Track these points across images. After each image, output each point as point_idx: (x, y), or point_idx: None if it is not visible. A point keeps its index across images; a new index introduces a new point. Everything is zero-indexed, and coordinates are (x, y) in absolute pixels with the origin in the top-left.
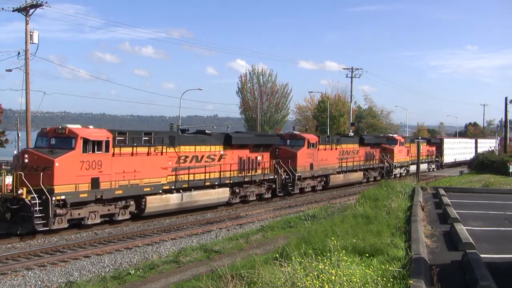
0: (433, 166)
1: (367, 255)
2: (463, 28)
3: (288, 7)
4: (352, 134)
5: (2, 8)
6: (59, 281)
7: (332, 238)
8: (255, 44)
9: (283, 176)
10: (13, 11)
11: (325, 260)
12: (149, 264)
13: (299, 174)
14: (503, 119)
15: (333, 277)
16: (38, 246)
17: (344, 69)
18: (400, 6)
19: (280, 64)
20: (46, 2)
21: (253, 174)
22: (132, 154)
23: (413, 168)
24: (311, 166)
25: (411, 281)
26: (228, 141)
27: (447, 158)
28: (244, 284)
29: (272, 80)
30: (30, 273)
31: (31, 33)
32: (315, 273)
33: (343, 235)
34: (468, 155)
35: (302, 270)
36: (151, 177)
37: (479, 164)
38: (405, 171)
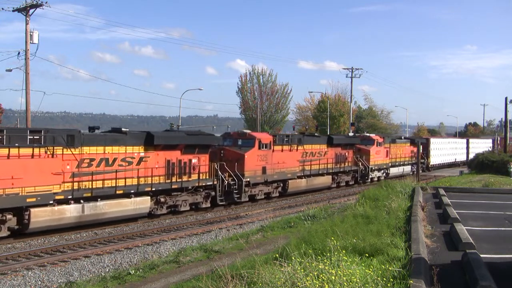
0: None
1: (367, 255)
2: (463, 28)
3: (288, 7)
4: (352, 134)
5: (2, 8)
6: (59, 281)
7: (332, 238)
8: (255, 44)
9: (227, 182)
10: (13, 11)
11: (325, 260)
12: (149, 264)
13: (248, 179)
14: (503, 119)
15: (333, 277)
16: (38, 246)
17: (344, 69)
18: (400, 6)
19: (280, 64)
20: (46, 2)
21: (185, 180)
22: (8, 156)
23: (393, 171)
24: (264, 170)
25: (411, 281)
26: (149, 141)
27: (434, 159)
28: (244, 284)
29: (272, 80)
30: (30, 273)
31: (31, 33)
32: (315, 273)
33: (343, 235)
34: (459, 156)
35: (302, 270)
36: (37, 185)
37: (479, 164)
38: (384, 174)
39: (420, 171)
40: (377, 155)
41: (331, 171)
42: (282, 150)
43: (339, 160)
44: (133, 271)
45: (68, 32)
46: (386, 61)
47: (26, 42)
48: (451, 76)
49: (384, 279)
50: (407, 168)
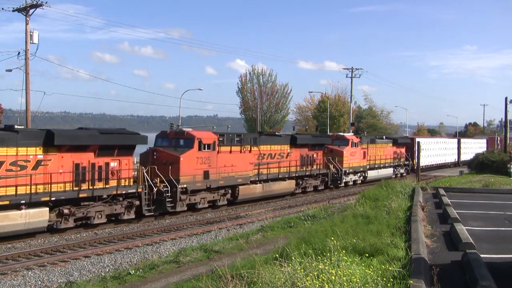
0: (402, 170)
1: (367, 255)
2: (463, 28)
3: (287, 7)
4: (352, 133)
5: (2, 8)
6: (59, 281)
7: (332, 238)
8: (255, 44)
9: (156, 189)
10: (13, 11)
11: (325, 260)
12: (149, 264)
13: (184, 185)
14: (503, 119)
15: (333, 277)
16: (38, 246)
17: (344, 69)
18: (400, 6)
19: (280, 64)
20: (46, 2)
21: (99, 187)
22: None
23: (372, 174)
24: (206, 174)
25: (411, 281)
26: (50, 141)
27: (421, 161)
28: (244, 284)
29: (272, 80)
30: (30, 273)
31: (31, 33)
32: (315, 273)
33: (343, 235)
34: (449, 157)
35: (302, 270)
36: None
37: (479, 164)
38: (360, 177)
39: (405, 173)
40: (352, 157)
41: (294, 175)
42: (230, 152)
43: (305, 162)
44: (133, 271)
45: (68, 32)
46: (386, 61)
47: (26, 42)
48: (451, 76)
49: (384, 279)
50: (388, 171)
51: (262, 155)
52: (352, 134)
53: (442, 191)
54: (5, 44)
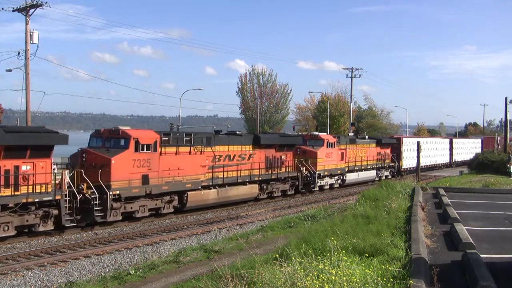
0: (386, 173)
1: (367, 255)
2: (463, 28)
3: (287, 7)
4: (352, 133)
5: (2, 8)
6: (59, 281)
7: (332, 238)
8: (254, 44)
9: (81, 196)
10: (13, 11)
11: (325, 260)
12: (149, 264)
13: (117, 191)
14: (503, 119)
15: (333, 277)
16: (38, 246)
17: (344, 69)
18: (401, 6)
19: (279, 64)
20: (46, 2)
21: (6, 194)
22: None
23: (351, 177)
24: (145, 179)
25: (411, 281)
26: None
27: (408, 162)
28: (244, 284)
29: (272, 80)
30: (30, 273)
31: (31, 33)
32: (315, 273)
33: (343, 235)
34: (440, 158)
35: (302, 270)
36: None
37: (479, 164)
38: (338, 181)
39: (390, 176)
40: (327, 158)
41: (257, 178)
42: (177, 153)
43: (271, 164)
44: (133, 271)
45: (69, 32)
46: (386, 61)
47: (26, 42)
48: (451, 76)
49: (384, 279)
50: (371, 174)
51: (218, 157)
52: (329, 134)
53: (442, 191)
54: (5, 44)
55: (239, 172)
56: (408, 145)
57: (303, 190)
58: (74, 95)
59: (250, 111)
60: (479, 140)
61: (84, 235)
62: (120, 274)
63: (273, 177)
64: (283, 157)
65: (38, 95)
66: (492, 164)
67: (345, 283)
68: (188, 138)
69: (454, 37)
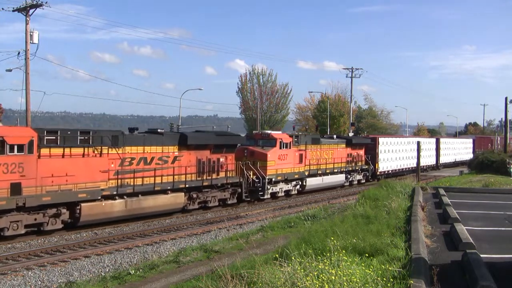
0: (359, 177)
1: (367, 255)
2: (463, 28)
3: (287, 7)
4: (352, 133)
5: (2, 8)
6: (59, 281)
7: (332, 238)
8: (254, 44)
9: None
10: (13, 11)
11: (325, 260)
12: (149, 264)
13: None
14: (503, 119)
15: (333, 277)
16: (38, 246)
17: (344, 69)
18: (400, 6)
19: (279, 64)
20: (46, 2)
21: None
22: None
23: (313, 182)
24: (15, 188)
25: (411, 281)
26: None
27: (385, 165)
28: (244, 284)
29: (272, 80)
30: (30, 273)
31: (31, 33)
32: (315, 273)
33: (343, 235)
34: (425, 159)
35: (302, 270)
36: None
37: (479, 164)
38: (296, 187)
39: (363, 180)
40: (281, 161)
41: (184, 185)
42: (64, 156)
43: (205, 169)
44: (133, 271)
45: (70, 32)
46: (386, 61)
47: (26, 42)
48: (451, 76)
49: (384, 279)
50: (338, 178)
51: (129, 159)
52: (285, 132)
53: (442, 191)
54: (5, 44)
55: (158, 178)
56: (386, 146)
57: (248, 199)
58: (74, 95)
59: (250, 111)
60: (470, 140)
61: (84, 235)
62: (120, 274)
63: (206, 183)
64: (221, 159)
65: (38, 95)
66: (492, 164)
67: (345, 283)
68: (84, 137)
69: (454, 37)
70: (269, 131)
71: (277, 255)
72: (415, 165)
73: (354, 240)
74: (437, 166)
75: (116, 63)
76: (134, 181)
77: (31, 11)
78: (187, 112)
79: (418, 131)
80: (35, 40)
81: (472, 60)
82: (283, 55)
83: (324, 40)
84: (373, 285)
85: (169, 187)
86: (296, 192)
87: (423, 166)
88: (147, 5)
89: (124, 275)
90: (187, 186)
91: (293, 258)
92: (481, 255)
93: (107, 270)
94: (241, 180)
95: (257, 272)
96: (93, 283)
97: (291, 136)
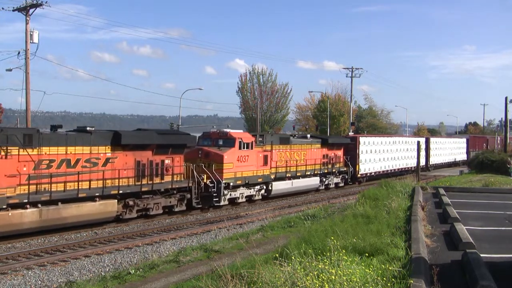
0: (336, 180)
1: (367, 254)
2: (463, 28)
3: (287, 7)
4: (352, 133)
5: (2, 8)
6: (59, 281)
7: (332, 238)
8: (253, 44)
9: None
10: (13, 10)
11: (325, 260)
12: (149, 263)
13: None
14: (503, 119)
15: (333, 277)
16: (38, 246)
17: (344, 68)
18: (401, 6)
19: (279, 64)
20: (46, 2)
21: None
22: None
23: (280, 186)
24: None
25: (411, 281)
26: None
27: (367, 167)
28: (244, 283)
29: (272, 79)
30: (30, 272)
31: (31, 33)
32: (315, 273)
33: (343, 234)
34: (413, 160)
35: (302, 270)
36: None
37: (479, 163)
38: (260, 191)
39: (342, 183)
40: (241, 163)
41: (117, 191)
42: None
43: (146, 172)
44: (133, 271)
45: (70, 32)
46: (386, 61)
47: (26, 41)
48: (452, 76)
49: (384, 278)
50: (312, 181)
51: (46, 162)
52: (245, 131)
53: (442, 191)
54: (5, 44)
55: (85, 183)
56: (368, 146)
57: (200, 206)
58: (74, 94)
59: (250, 110)
60: (464, 140)
61: (84, 234)
62: (120, 274)
63: (145, 189)
64: (166, 162)
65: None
66: (492, 163)
67: (345, 283)
68: None
69: (454, 37)
70: (227, 130)
71: (277, 255)
72: (403, 166)
73: (354, 240)
74: (427, 167)
75: (116, 62)
76: (49, 186)
77: (31, 10)
78: (187, 112)
79: (418, 131)
80: (35, 39)
81: (472, 60)
82: (283, 55)
83: (324, 40)
84: (373, 284)
85: (97, 194)
86: (260, 197)
87: (411, 167)
88: (147, 5)
89: (124, 275)
90: (121, 192)
91: (293, 257)
92: (481, 255)
93: (107, 270)
94: (191, 184)
95: (257, 271)
96: (93, 283)
97: (254, 135)
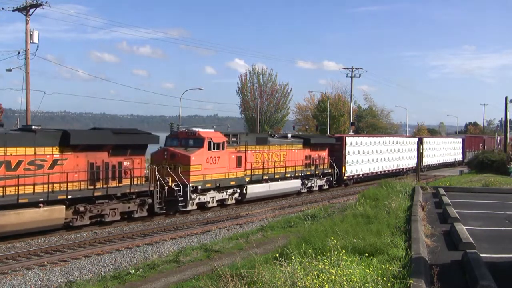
0: (320, 182)
1: (367, 254)
2: (463, 28)
3: (287, 7)
4: (351, 133)
5: (2, 8)
6: (59, 281)
7: (332, 238)
8: (253, 44)
9: None
10: (13, 10)
11: (325, 260)
12: (149, 263)
13: None
14: (503, 119)
15: (333, 277)
16: (38, 246)
17: (344, 68)
18: (401, 6)
19: (279, 64)
20: (46, 2)
21: None
22: None
23: (256, 189)
24: None
25: (411, 281)
26: None
27: (353, 168)
28: (244, 283)
29: (272, 79)
30: (30, 272)
31: (31, 33)
32: (315, 273)
33: (343, 234)
34: (403, 161)
35: (302, 270)
36: None
37: (479, 163)
38: (234, 195)
39: (326, 186)
40: (210, 165)
41: (64, 196)
42: None
43: (100, 175)
44: (133, 271)
45: (70, 32)
46: (386, 61)
47: (26, 41)
48: (452, 76)
49: (384, 278)
50: (292, 184)
51: None
52: (217, 131)
53: (442, 191)
54: (5, 44)
55: (29, 187)
56: (355, 146)
57: (164, 211)
58: (74, 94)
59: (250, 110)
60: (459, 140)
61: (85, 234)
62: (120, 274)
63: (99, 193)
64: (125, 163)
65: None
66: (492, 163)
67: (345, 283)
68: None
69: (454, 37)
70: (196, 129)
71: (277, 255)
72: (395, 167)
73: (354, 240)
74: (418, 169)
75: (115, 62)
76: None
77: (31, 10)
78: (187, 112)
79: (418, 131)
80: (35, 39)
81: (472, 60)
82: (283, 55)
83: (324, 40)
84: (373, 284)
85: (41, 199)
86: (234, 201)
87: (401, 168)
88: (147, 5)
89: (124, 275)
90: (69, 197)
91: (293, 257)
92: (481, 255)
93: (107, 270)
94: (153, 188)
95: (257, 271)
96: (93, 283)
97: (226, 135)
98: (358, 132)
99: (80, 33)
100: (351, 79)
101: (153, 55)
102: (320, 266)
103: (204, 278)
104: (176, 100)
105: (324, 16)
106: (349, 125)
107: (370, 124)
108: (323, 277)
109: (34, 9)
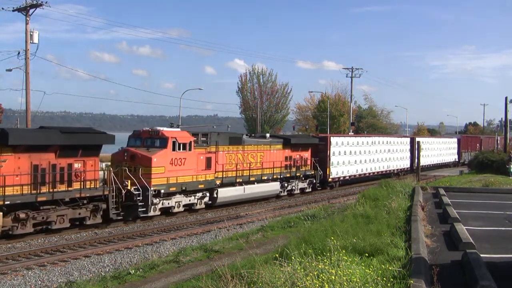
0: (302, 184)
1: (367, 255)
2: (464, 28)
3: (287, 7)
4: (351, 133)
5: (2, 8)
6: (59, 281)
7: (332, 238)
8: (253, 44)
9: None
10: (13, 10)
11: (325, 260)
12: (149, 263)
13: None
14: (503, 119)
15: (333, 277)
16: (38, 246)
17: (344, 68)
18: (401, 6)
19: (279, 64)
20: (46, 2)
21: None
22: None
23: (229, 193)
24: None
25: (411, 281)
26: None
27: (339, 170)
28: (244, 283)
29: (272, 80)
30: (30, 272)
31: (31, 33)
32: (315, 273)
33: (343, 234)
34: (396, 162)
35: (302, 270)
36: None
37: (479, 163)
38: (203, 199)
39: (308, 189)
40: (175, 167)
41: (3, 201)
42: None
43: (47, 178)
44: (133, 271)
45: (70, 32)
46: (386, 61)
47: (26, 42)
48: (452, 76)
49: (384, 278)
50: (270, 187)
51: None
52: (183, 130)
53: (442, 191)
54: (5, 44)
55: None
56: (341, 147)
57: (121, 217)
58: (74, 94)
59: (250, 110)
60: (455, 140)
61: (84, 234)
62: (120, 274)
63: (43, 198)
64: (76, 166)
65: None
66: (492, 164)
67: (345, 283)
68: None
69: (454, 37)
70: (160, 128)
71: (277, 255)
72: (384, 168)
73: (354, 240)
74: (412, 170)
75: (115, 62)
76: None
77: (31, 11)
78: (187, 112)
79: (418, 131)
80: (35, 40)
81: (472, 60)
82: (283, 55)
83: (324, 40)
84: (373, 285)
85: None
86: (203, 206)
87: (393, 169)
88: (147, 5)
89: (124, 275)
90: (7, 202)
91: (293, 258)
92: (481, 255)
93: (107, 270)
94: (107, 192)
95: (257, 271)
96: (93, 283)
97: (194, 134)
98: (358, 132)
99: (80, 33)
100: (351, 79)
101: (153, 55)
102: (320, 266)
103: (204, 278)
104: (176, 100)
105: (324, 16)
106: (349, 125)
107: (370, 124)
108: (323, 277)
109: (34, 9)
